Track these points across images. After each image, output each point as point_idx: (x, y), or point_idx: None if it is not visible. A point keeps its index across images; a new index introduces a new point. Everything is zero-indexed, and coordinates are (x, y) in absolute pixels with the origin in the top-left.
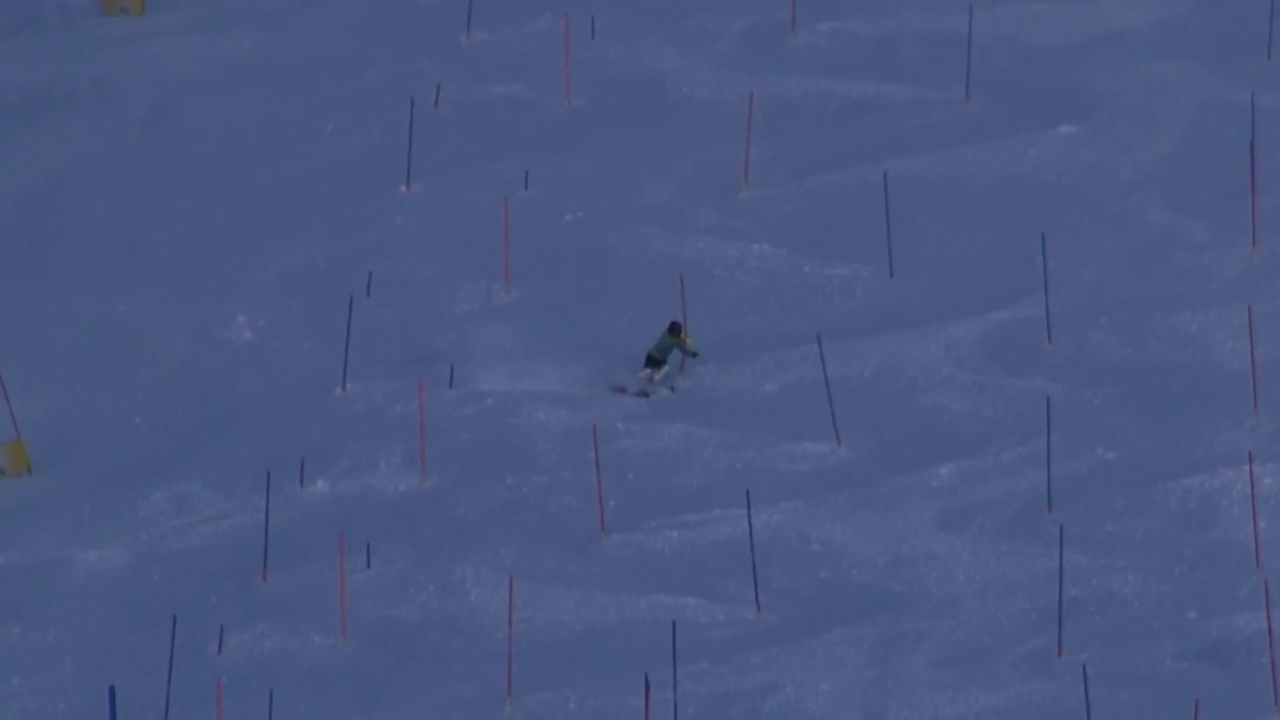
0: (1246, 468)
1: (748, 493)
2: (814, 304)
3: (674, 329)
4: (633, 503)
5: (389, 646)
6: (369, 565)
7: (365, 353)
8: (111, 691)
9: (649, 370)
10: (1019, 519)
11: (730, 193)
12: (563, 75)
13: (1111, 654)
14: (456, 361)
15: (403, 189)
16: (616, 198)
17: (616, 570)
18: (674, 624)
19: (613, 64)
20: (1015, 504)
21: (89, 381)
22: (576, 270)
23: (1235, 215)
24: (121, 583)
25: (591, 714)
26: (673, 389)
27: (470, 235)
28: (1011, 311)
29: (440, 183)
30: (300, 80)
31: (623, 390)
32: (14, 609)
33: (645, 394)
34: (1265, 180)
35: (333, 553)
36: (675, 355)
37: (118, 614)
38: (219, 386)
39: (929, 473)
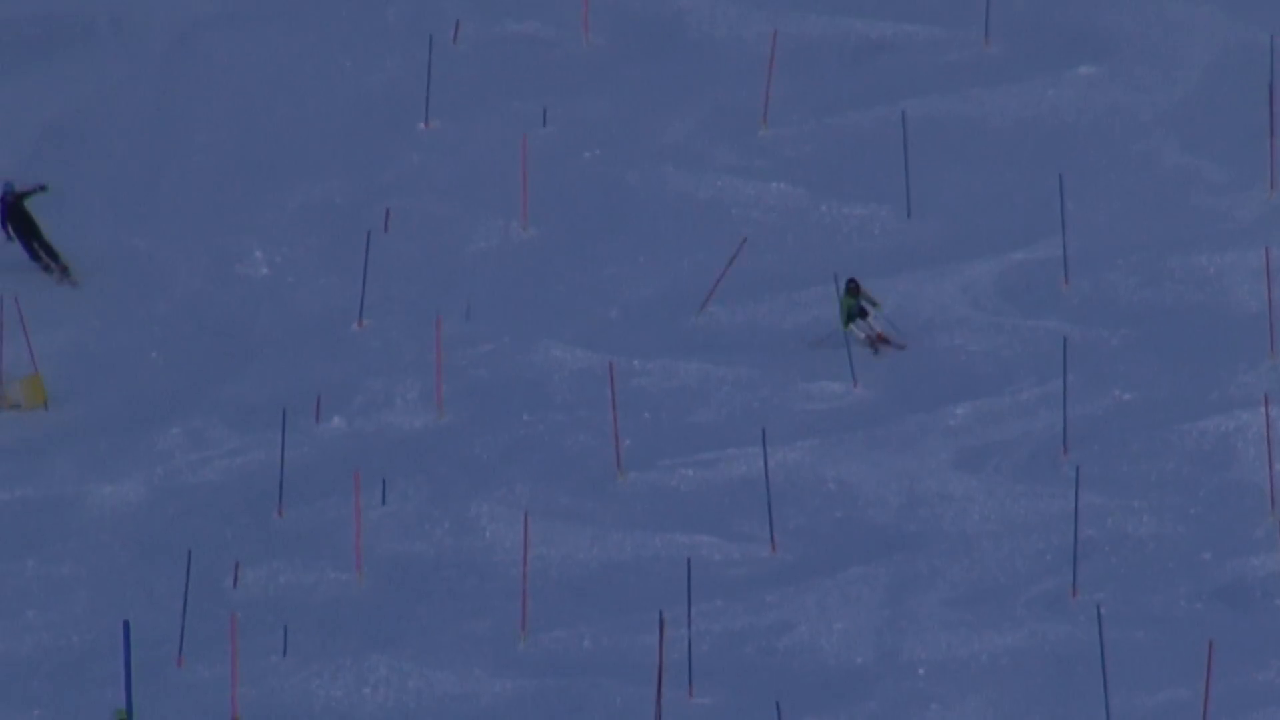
0: (1263, 410)
1: (764, 431)
2: (831, 243)
3: (851, 289)
4: (649, 441)
5: (404, 582)
6: (384, 502)
7: (382, 289)
8: (126, 626)
9: (869, 322)
10: (1035, 460)
11: (749, 131)
12: (581, 13)
13: (1126, 595)
14: (474, 298)
15: (421, 126)
16: (635, 136)
17: (632, 508)
18: (689, 562)
19: (632, 2)
20: (1031, 445)
21: (106, 316)
22: (594, 208)
23: (1254, 157)
24: (137, 517)
25: (606, 651)
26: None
27: (488, 173)
28: (1029, 252)
29: (459, 120)
30: (320, 16)
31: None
32: (29, 542)
33: (875, 347)
34: None
35: (348, 489)
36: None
37: (132, 548)
38: (236, 322)
39: (945, 413)
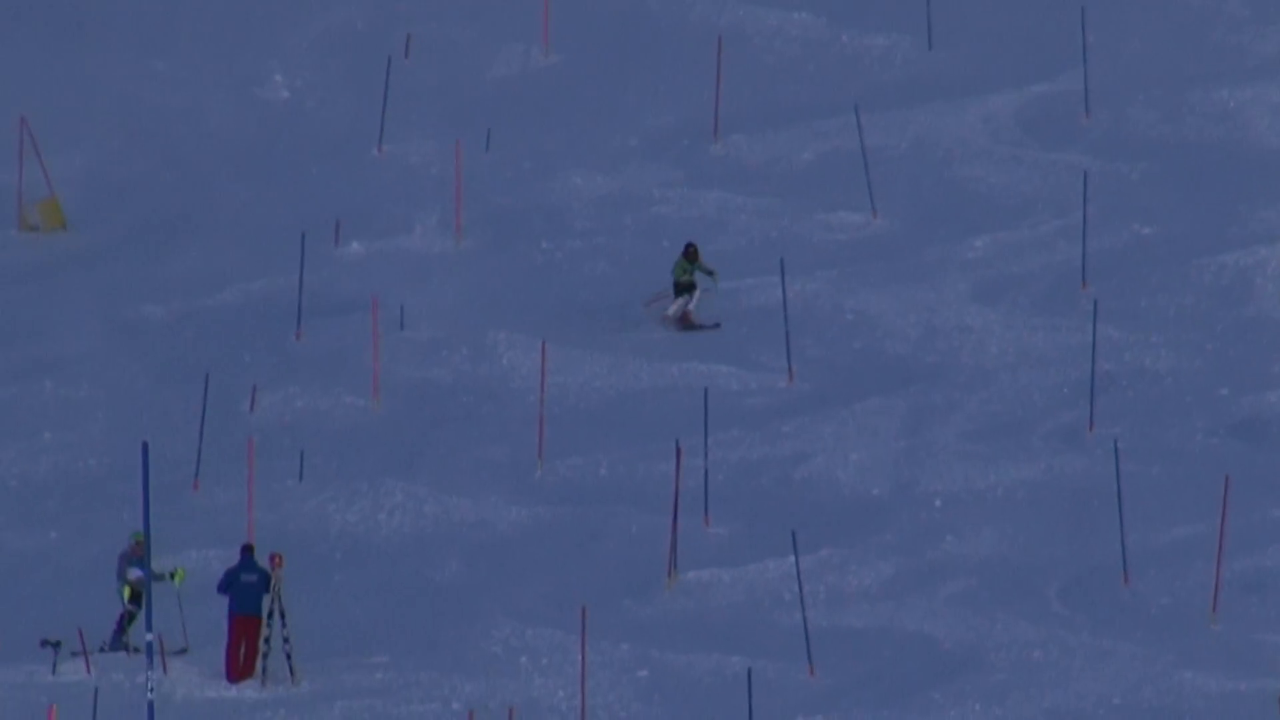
0: None
1: (782, 261)
2: (852, 74)
3: (689, 253)
4: (668, 269)
5: (420, 408)
6: (402, 328)
7: (403, 114)
8: (144, 448)
9: (683, 299)
10: (1053, 293)
11: None
12: None
13: (1143, 429)
14: (494, 124)
15: None
16: None
17: (650, 336)
18: (706, 391)
19: None
20: (1050, 277)
21: (124, 139)
22: (616, 35)
23: None
24: (154, 340)
25: (622, 479)
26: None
27: None
28: (1050, 85)
29: None
30: None
31: (663, 315)
32: (46, 363)
33: (692, 325)
34: None
35: (366, 314)
36: (700, 278)
37: (151, 371)
38: (255, 146)
39: (964, 245)
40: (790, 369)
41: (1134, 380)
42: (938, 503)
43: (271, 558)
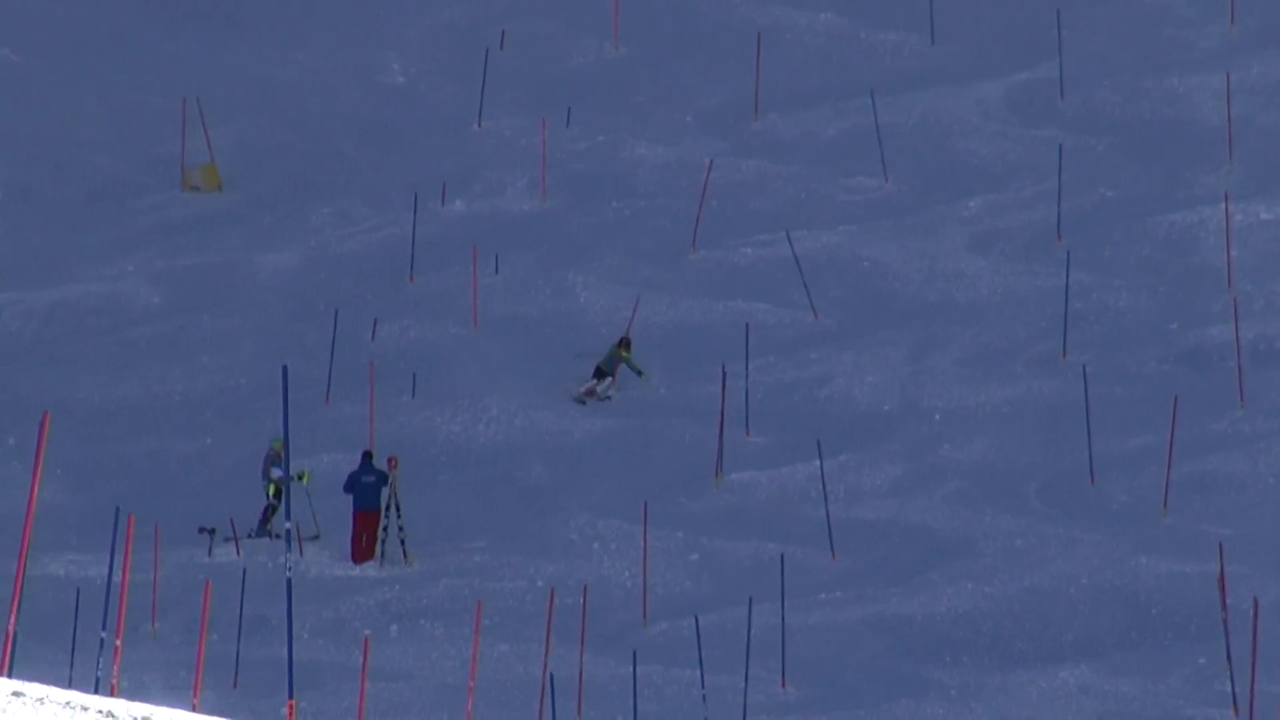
0: (1222, 206)
1: (812, 218)
2: (868, 64)
3: (624, 343)
4: (716, 224)
5: (511, 337)
6: (497, 271)
7: (497, 96)
8: (284, 370)
9: (594, 381)
10: (1033, 244)
11: None
12: None
13: (1107, 357)
14: (573, 104)
15: None
16: None
17: (701, 279)
18: (746, 325)
19: None
20: (1031, 232)
21: (271, 115)
22: (673, 32)
23: None
24: (293, 281)
25: (677, 397)
26: (609, 398)
27: (586, 0)
28: (1031, 73)
29: None
30: None
31: (580, 395)
32: (205, 300)
33: (584, 401)
34: None
35: (468, 260)
36: (622, 370)
37: (290, 306)
38: (376, 121)
39: (960, 205)
40: (815, 307)
41: (1099, 317)
42: (937, 417)
43: (388, 461)
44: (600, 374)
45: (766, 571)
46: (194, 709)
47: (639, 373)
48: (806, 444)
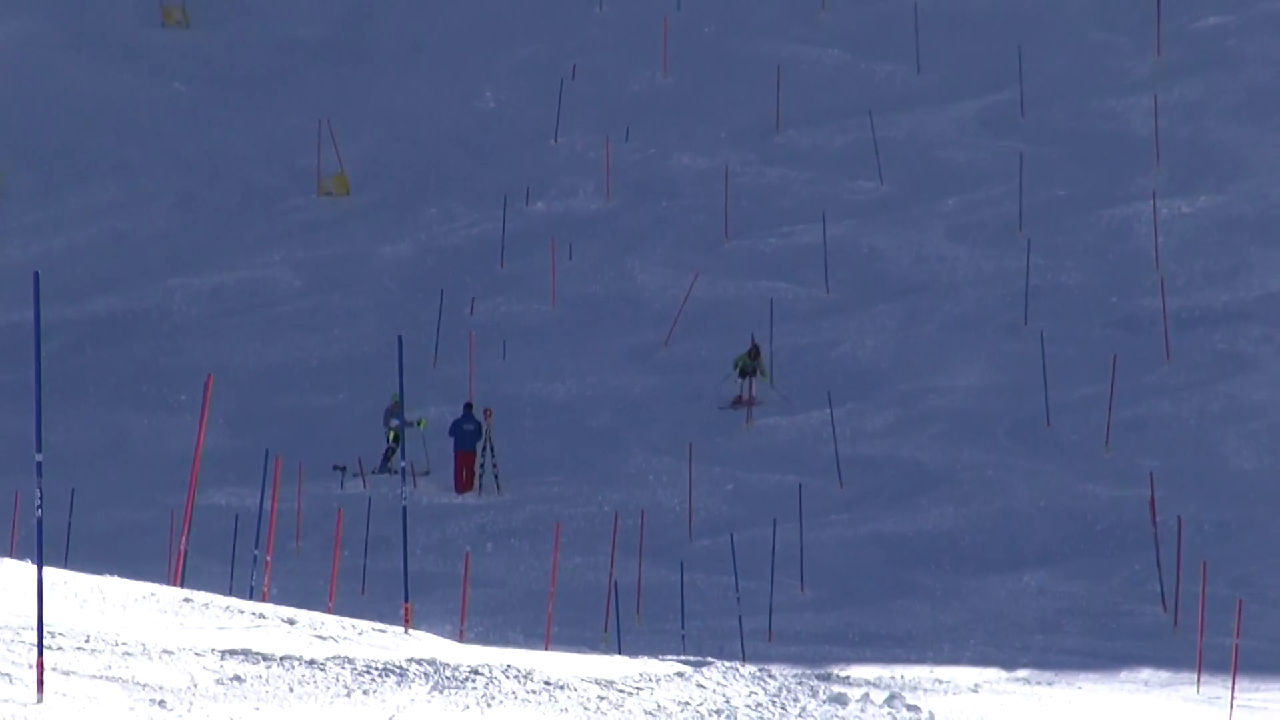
0: (1151, 202)
1: (823, 213)
2: (867, 89)
3: (753, 352)
4: (745, 218)
5: (583, 312)
6: (570, 258)
7: (570, 117)
8: (399, 339)
9: (741, 381)
10: (1000, 234)
11: (813, 11)
12: None
13: (1060, 324)
14: (631, 123)
15: (597, 10)
16: (736, 16)
17: (733, 263)
18: (771, 300)
19: None
20: (998, 223)
21: (389, 133)
22: (711, 64)
23: (1148, 33)
24: (406, 267)
25: (716, 357)
26: (762, 402)
27: (642, 38)
28: (998, 96)
29: (622, 6)
30: None
31: (731, 404)
32: (336, 284)
33: (736, 408)
34: (1167, 6)
35: (547, 250)
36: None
37: (405, 288)
38: (473, 139)
39: (941, 202)
40: (826, 285)
41: (1053, 292)
42: (924, 373)
43: (484, 411)
44: (744, 374)
45: (788, 498)
46: (329, 611)
47: (764, 375)
48: (819, 395)
